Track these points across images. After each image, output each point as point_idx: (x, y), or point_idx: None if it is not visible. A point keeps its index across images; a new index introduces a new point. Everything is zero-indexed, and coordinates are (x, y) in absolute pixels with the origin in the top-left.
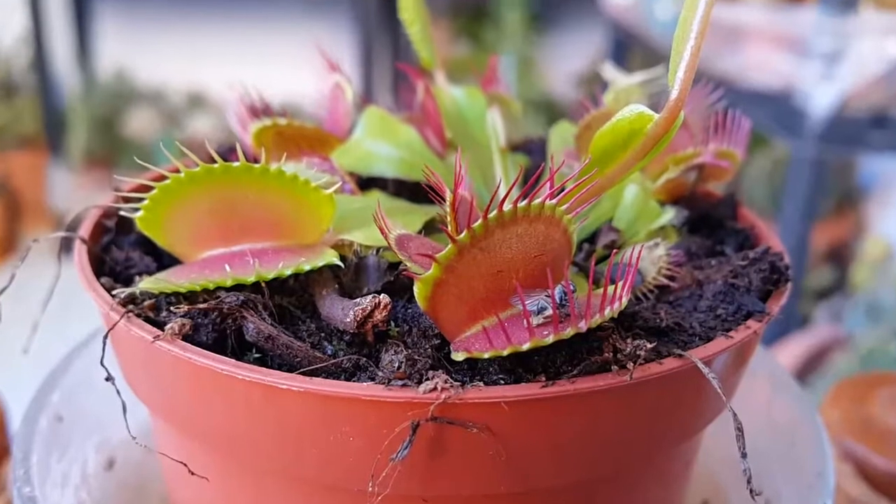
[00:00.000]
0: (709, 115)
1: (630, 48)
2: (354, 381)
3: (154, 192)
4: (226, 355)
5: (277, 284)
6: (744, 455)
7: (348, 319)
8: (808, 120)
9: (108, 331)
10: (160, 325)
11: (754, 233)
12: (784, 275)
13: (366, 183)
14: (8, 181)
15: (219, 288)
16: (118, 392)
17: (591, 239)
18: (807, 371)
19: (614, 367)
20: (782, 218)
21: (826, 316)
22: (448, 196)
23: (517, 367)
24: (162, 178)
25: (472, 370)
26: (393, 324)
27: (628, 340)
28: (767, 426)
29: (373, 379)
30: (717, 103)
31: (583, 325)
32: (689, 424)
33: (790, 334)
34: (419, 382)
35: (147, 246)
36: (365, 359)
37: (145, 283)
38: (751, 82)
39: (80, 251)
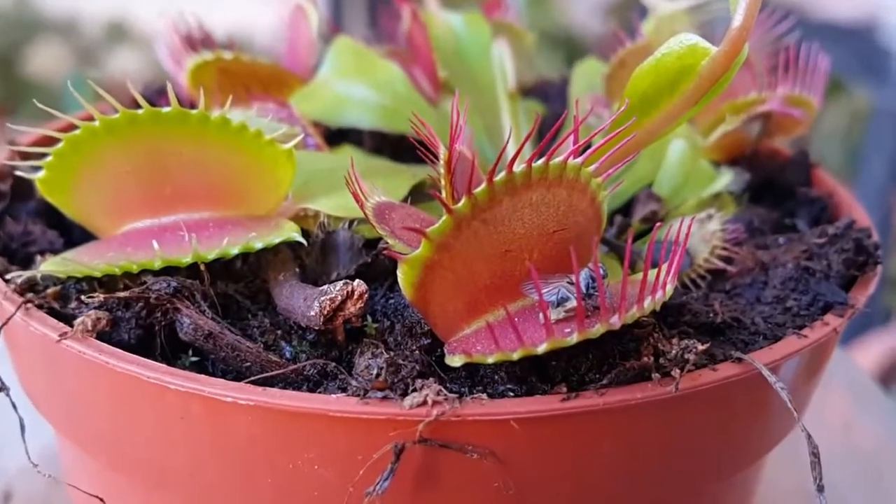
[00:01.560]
0: (776, 51)
1: None
2: (320, 393)
3: (60, 145)
4: (154, 358)
5: (221, 267)
6: (820, 488)
7: (313, 313)
8: None
9: (1, 326)
10: (68, 320)
11: (833, 203)
12: (872, 256)
13: (335, 136)
14: None
15: (144, 271)
16: (14, 406)
17: (626, 209)
18: (891, 378)
19: (656, 375)
20: (860, 185)
21: None
22: (442, 153)
23: (530, 374)
24: (71, 127)
25: (473, 378)
26: (370, 318)
27: (673, 341)
28: (847, 450)
29: (344, 390)
30: (785, 37)
31: (615, 321)
32: (750, 448)
33: (870, 331)
34: (404, 394)
35: (52, 216)
36: (334, 364)
37: (49, 265)
38: (825, 13)
39: None
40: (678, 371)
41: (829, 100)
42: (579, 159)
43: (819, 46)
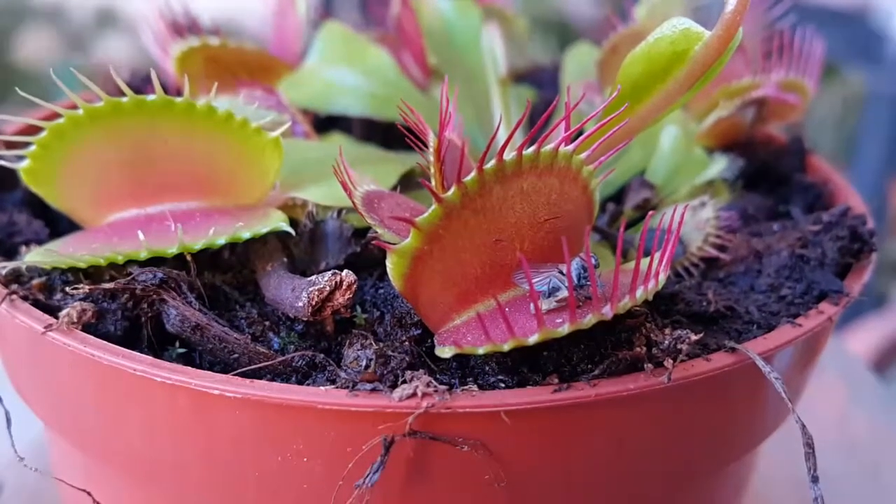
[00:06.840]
0: (770, 36)
1: None
2: (309, 385)
3: (44, 134)
4: (140, 350)
5: (208, 258)
6: (814, 479)
7: (301, 303)
8: (890, 45)
9: None
10: (54, 312)
11: (828, 189)
12: (867, 243)
13: (324, 123)
14: None
15: (130, 262)
16: (0, 399)
17: (619, 197)
18: (884, 364)
19: (648, 366)
20: (854, 171)
21: None
22: (432, 140)
23: (521, 365)
24: (55, 116)
25: (463, 370)
26: (359, 309)
27: (666, 330)
28: (843, 440)
29: (333, 382)
30: (778, 21)
31: (607, 311)
32: (743, 438)
33: (863, 316)
34: (393, 386)
35: (36, 207)
36: (323, 355)
37: (34, 256)
38: None
39: None
40: (671, 361)
41: (824, 85)
42: (571, 146)
43: (813, 30)
